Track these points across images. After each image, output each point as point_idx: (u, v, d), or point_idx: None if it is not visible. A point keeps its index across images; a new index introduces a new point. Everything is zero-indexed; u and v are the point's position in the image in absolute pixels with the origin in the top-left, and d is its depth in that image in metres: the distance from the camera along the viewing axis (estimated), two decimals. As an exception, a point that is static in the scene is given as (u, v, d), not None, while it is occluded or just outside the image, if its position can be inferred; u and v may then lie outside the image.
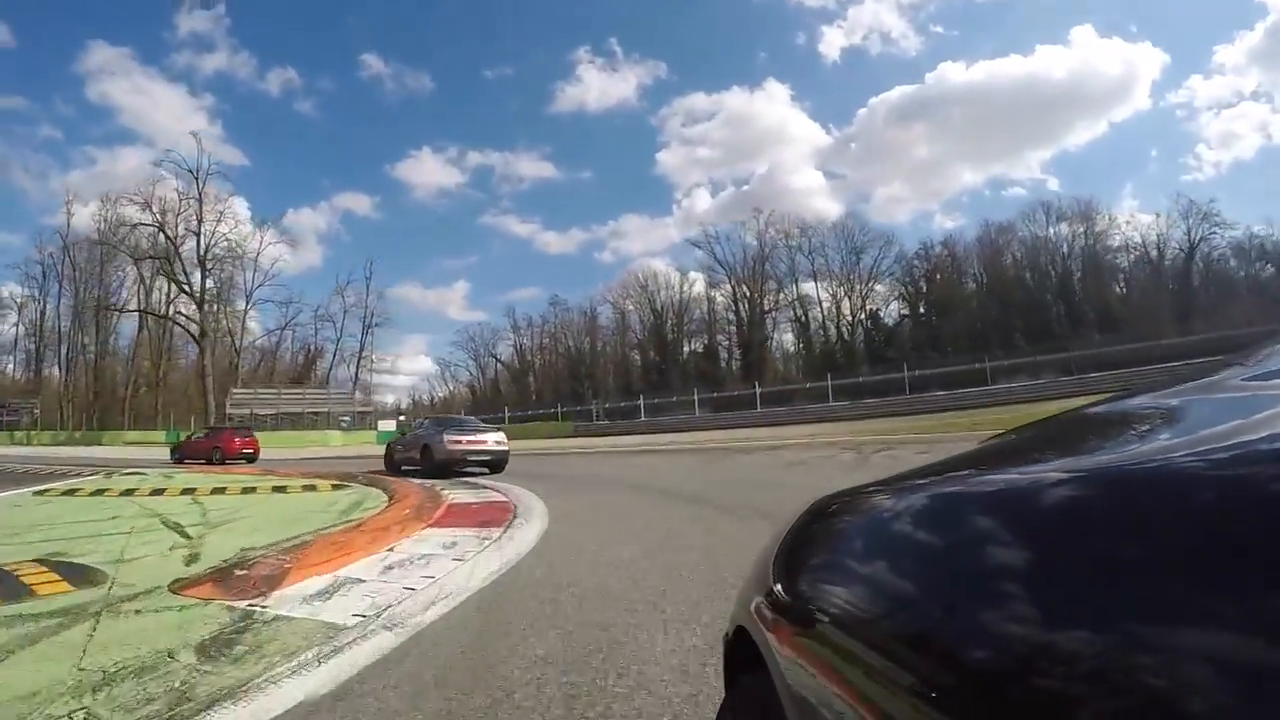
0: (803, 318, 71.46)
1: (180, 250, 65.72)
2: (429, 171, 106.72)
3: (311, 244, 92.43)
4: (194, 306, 65.69)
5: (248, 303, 73.03)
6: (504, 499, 10.11)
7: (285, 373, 73.23)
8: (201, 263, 65.80)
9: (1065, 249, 63.48)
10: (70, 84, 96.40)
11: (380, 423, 58.79)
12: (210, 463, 25.65)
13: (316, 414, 61.27)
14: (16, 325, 72.61)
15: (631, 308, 76.88)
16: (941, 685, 0.50)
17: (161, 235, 65.07)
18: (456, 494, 11.02)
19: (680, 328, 75.76)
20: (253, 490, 12.51)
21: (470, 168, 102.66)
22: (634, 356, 78.14)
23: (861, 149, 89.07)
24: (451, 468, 15.31)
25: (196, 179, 66.10)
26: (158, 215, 64.51)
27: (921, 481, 0.81)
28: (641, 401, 52.79)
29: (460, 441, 15.59)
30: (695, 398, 50.77)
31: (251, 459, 26.89)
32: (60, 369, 74.40)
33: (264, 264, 72.07)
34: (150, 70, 77.72)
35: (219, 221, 67.08)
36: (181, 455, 28.57)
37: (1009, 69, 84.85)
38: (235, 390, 61.97)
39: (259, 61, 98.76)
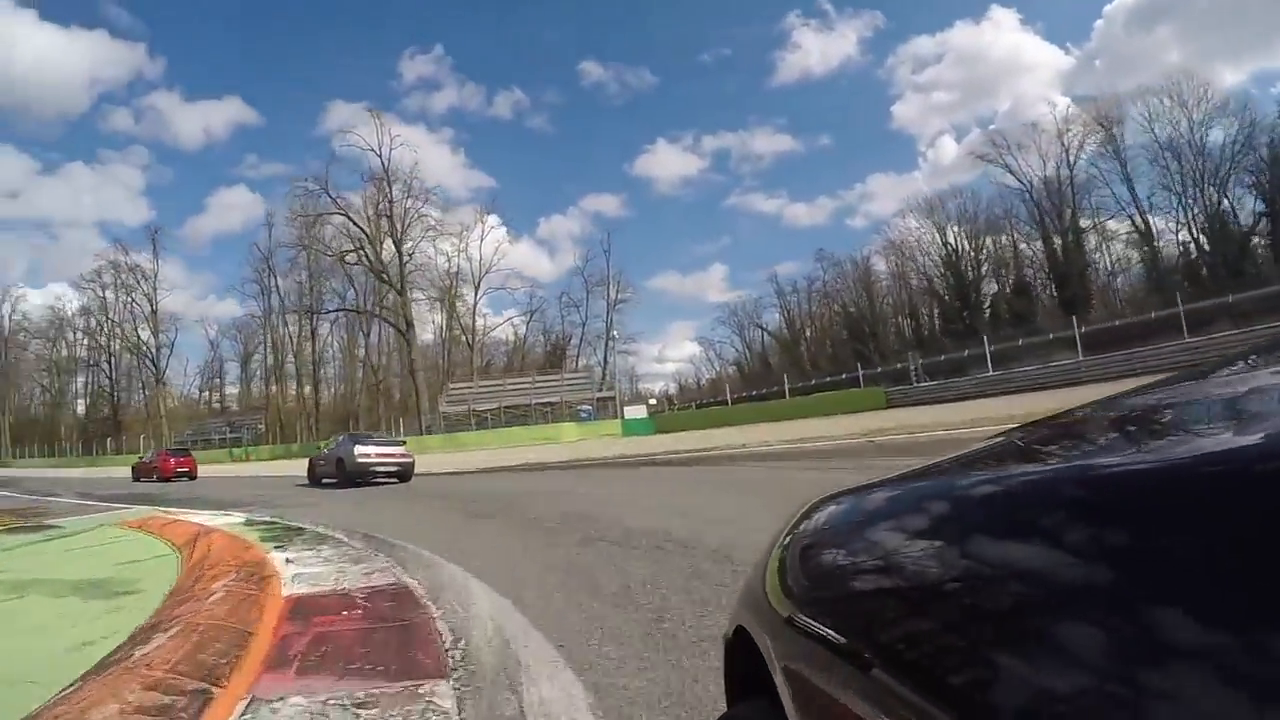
0: (1142, 226, 52.96)
1: (380, 243, 58.98)
2: (668, 163, 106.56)
3: (568, 247, 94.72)
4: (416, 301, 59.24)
5: (476, 294, 67.91)
6: None
7: (534, 364, 66.66)
8: (397, 246, 58.46)
9: None
10: (319, 144, 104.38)
11: (627, 409, 47.51)
12: (160, 481, 27.36)
13: (548, 405, 51.10)
14: (262, 346, 71.99)
15: (915, 250, 63.47)
16: (942, 685, 0.50)
17: (354, 226, 58.78)
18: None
19: (979, 265, 60.57)
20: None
21: (707, 152, 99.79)
22: (922, 305, 64.48)
23: (1106, 65, 73.71)
24: (362, 477, 16.48)
25: (380, 157, 59.17)
26: (342, 203, 58.35)
27: (922, 480, 0.81)
28: (986, 347, 35.61)
29: (369, 454, 16.71)
30: (1075, 332, 32.38)
31: (191, 477, 28.40)
32: (276, 382, 71.62)
33: (487, 253, 67.22)
34: (387, 117, 75.77)
35: (408, 195, 60.11)
36: (137, 475, 30.22)
37: (1253, -61, 63.45)
38: (451, 385, 53.56)
39: (486, 89, 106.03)
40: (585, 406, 50.10)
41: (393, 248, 58.29)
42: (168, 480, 27.35)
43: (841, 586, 0.73)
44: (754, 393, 50.82)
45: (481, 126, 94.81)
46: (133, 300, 75.20)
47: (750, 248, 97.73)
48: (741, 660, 0.94)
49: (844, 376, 44.63)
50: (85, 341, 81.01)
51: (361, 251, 57.84)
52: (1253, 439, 0.48)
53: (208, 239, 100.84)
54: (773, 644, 0.80)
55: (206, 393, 78.83)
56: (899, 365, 44.75)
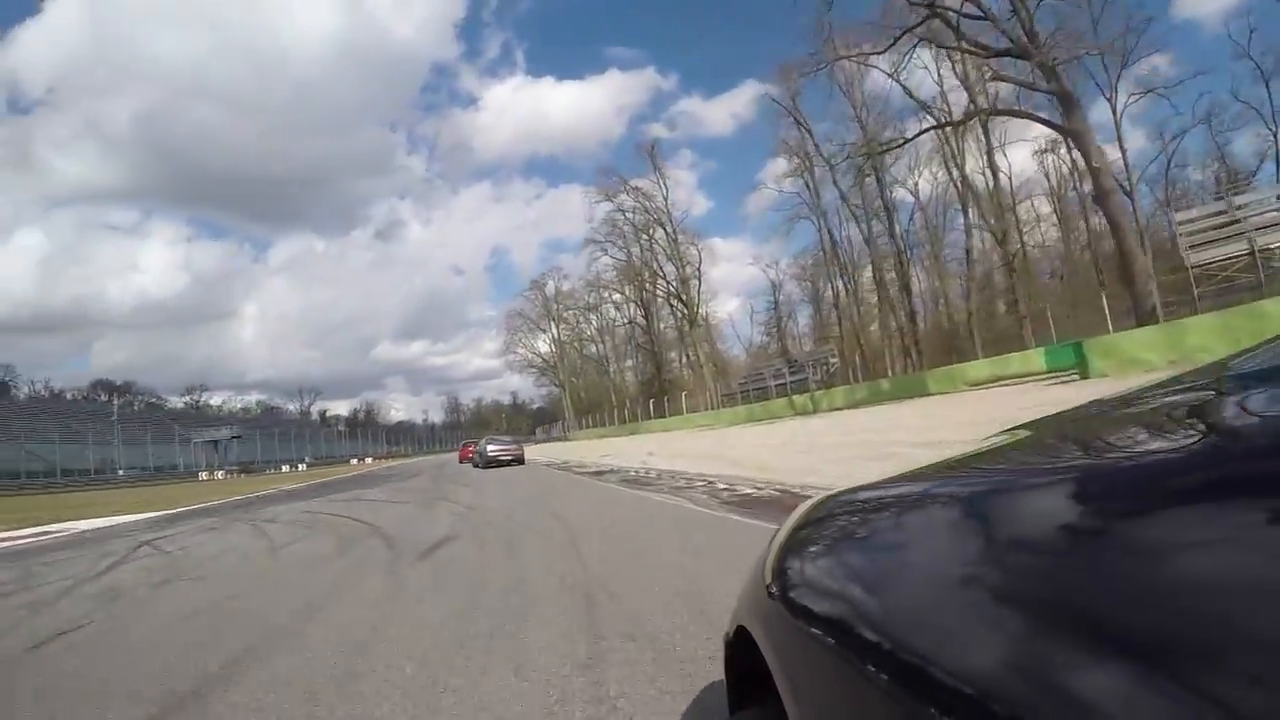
0: None
1: None
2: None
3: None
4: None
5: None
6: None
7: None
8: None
9: None
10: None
11: None
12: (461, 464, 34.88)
13: None
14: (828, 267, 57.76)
15: None
16: (943, 684, 0.50)
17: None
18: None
19: None
20: None
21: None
22: None
23: None
24: (491, 463, 26.33)
25: None
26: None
27: (923, 480, 0.83)
28: None
29: (495, 449, 27.21)
30: None
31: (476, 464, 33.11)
32: (844, 295, 53.42)
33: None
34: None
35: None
36: (461, 460, 38.80)
37: None
38: (1184, 213, 27.36)
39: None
40: None
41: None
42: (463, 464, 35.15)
43: (844, 586, 0.72)
44: None
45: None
46: (651, 239, 67.54)
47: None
48: (743, 660, 0.94)
49: None
50: (617, 298, 77.25)
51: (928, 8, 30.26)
52: (1255, 438, 0.48)
53: (764, 209, 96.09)
54: (775, 644, 0.79)
55: (772, 338, 67.65)
56: None
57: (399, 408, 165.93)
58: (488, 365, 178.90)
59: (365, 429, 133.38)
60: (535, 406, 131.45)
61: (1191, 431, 0.66)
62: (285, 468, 72.12)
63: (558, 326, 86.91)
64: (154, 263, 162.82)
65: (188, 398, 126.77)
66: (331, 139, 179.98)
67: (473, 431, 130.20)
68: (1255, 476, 0.44)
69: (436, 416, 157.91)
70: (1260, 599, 0.36)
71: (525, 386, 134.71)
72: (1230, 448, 0.52)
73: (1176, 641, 0.37)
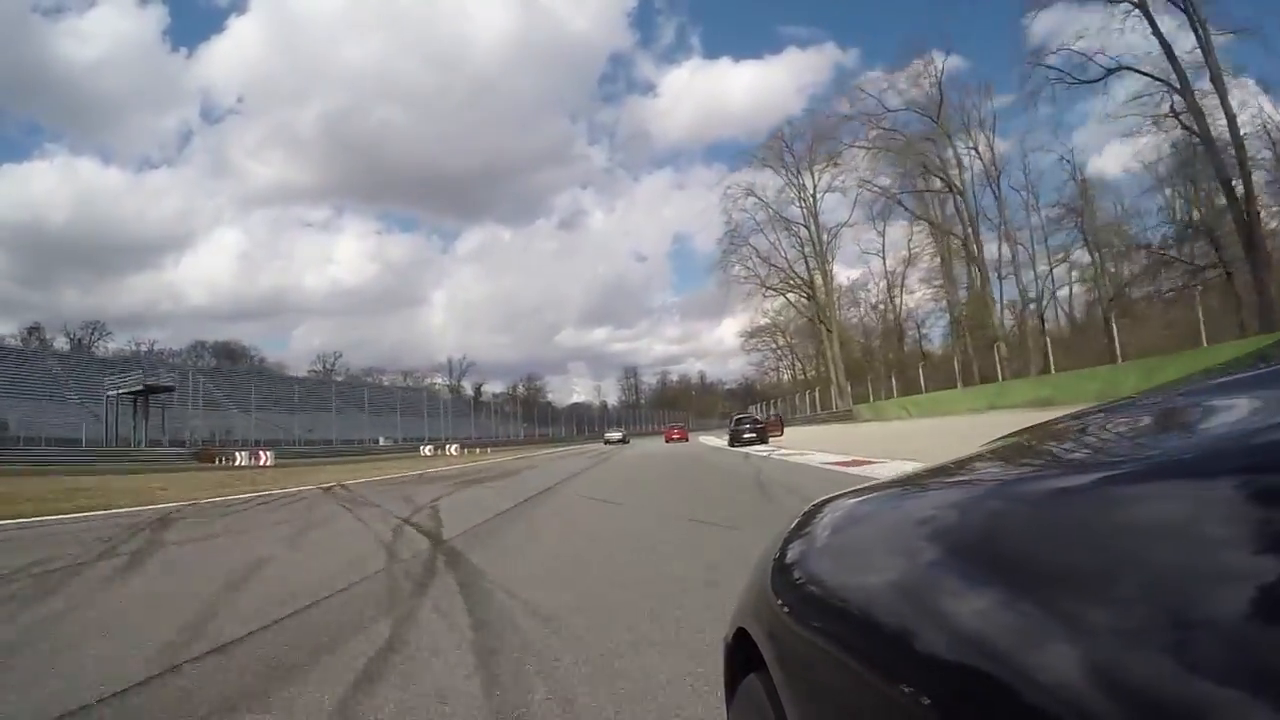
0: None
1: None
2: None
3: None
4: None
5: None
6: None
7: None
8: None
9: None
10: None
11: None
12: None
13: None
14: None
15: None
16: (942, 686, 0.50)
17: None
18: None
19: None
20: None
21: None
22: None
23: None
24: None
25: None
26: None
27: (923, 483, 0.85)
28: None
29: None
30: None
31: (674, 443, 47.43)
32: None
33: None
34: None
35: None
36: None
37: None
38: None
39: None
40: None
41: None
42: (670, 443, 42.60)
43: (845, 588, 0.72)
44: None
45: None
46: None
47: None
48: (743, 663, 0.95)
49: None
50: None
51: None
52: (1252, 440, 0.49)
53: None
54: (776, 646, 0.79)
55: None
56: None
57: (578, 390, 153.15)
58: (670, 351, 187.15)
59: (528, 407, 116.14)
60: (726, 387, 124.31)
61: (1193, 434, 0.65)
62: (265, 455, 42.34)
63: (816, 222, 58.23)
64: (347, 255, 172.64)
65: (319, 367, 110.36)
66: (513, 133, 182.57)
67: (654, 414, 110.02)
68: (1245, 479, 0.44)
69: (615, 400, 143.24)
70: (1249, 595, 0.36)
71: (711, 369, 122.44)
72: (1228, 448, 0.53)
73: (1175, 642, 0.37)
